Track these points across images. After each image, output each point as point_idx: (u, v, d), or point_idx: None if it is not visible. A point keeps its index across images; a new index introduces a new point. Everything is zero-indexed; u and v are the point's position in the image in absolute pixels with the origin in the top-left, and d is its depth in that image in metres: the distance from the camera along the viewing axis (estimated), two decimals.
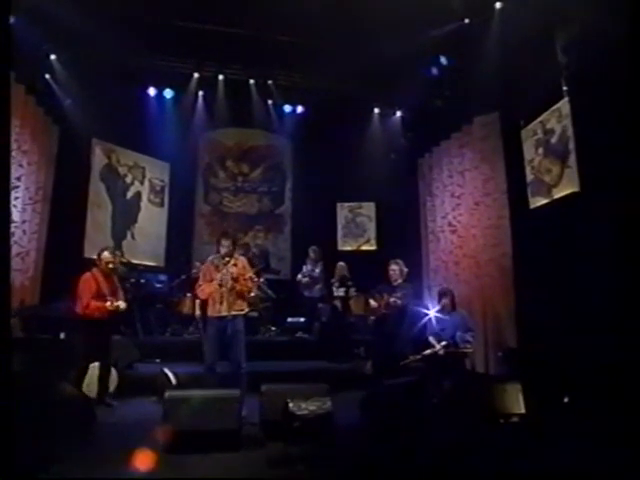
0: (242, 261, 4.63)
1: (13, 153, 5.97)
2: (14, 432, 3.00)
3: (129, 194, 8.27)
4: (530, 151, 5.97)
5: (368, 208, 9.50)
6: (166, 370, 5.15)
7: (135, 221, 8.25)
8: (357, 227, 9.44)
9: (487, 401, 3.77)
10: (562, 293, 5.07)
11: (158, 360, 6.10)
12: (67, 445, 3.10)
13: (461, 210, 7.29)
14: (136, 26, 6.72)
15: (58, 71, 7.12)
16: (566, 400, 4.02)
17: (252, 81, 8.35)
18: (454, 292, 5.46)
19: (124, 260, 7.50)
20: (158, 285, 7.02)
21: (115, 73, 7.41)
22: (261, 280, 7.76)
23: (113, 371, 5.02)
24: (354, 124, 8.80)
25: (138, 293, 6.57)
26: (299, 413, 3.02)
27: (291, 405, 3.08)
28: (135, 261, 7.69)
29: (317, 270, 7.72)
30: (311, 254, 7.83)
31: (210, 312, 4.45)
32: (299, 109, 9.03)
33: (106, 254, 4.79)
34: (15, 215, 6.12)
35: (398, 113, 8.92)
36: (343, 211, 9.54)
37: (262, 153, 9.53)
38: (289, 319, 7.53)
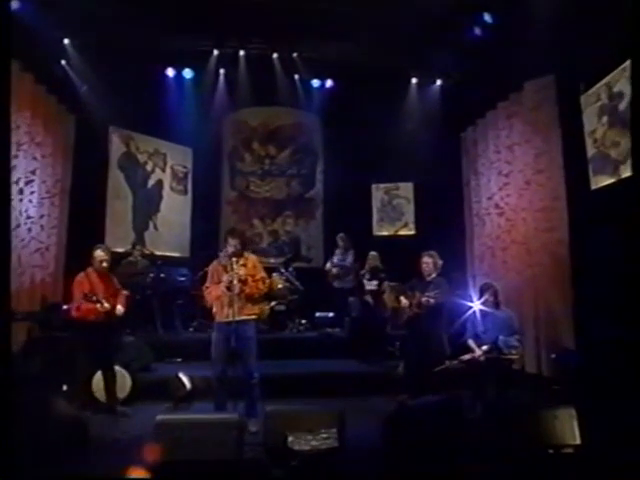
0: (253, 260, 4.28)
1: (25, 146, 5.88)
2: (14, 433, 2.89)
3: (150, 183, 8.11)
4: (592, 120, 5.17)
5: (406, 189, 8.91)
6: (180, 374, 4.96)
7: (157, 211, 8.09)
8: (394, 210, 8.89)
9: (533, 426, 3.24)
10: (629, 288, 4.37)
11: (179, 359, 5.95)
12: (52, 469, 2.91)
13: (509, 190, 6.64)
14: (151, 3, 6.43)
15: (72, 56, 6.96)
16: None
17: (276, 55, 7.93)
18: (497, 287, 4.85)
19: (147, 252, 7.39)
20: (181, 279, 6.84)
21: (131, 55, 7.15)
22: (289, 270, 7.47)
23: (126, 375, 4.88)
24: (389, 97, 8.20)
25: (158, 288, 6.41)
26: (298, 449, 2.65)
27: (290, 439, 2.72)
28: (158, 253, 7.56)
29: (348, 259, 7.32)
30: (339, 242, 7.45)
31: (218, 317, 4.15)
32: (328, 83, 8.52)
33: (99, 252, 4.54)
34: (32, 210, 6.07)
35: (438, 82, 8.22)
36: (378, 193, 9.00)
37: (290, 133, 9.10)
38: (317, 314, 7.20)
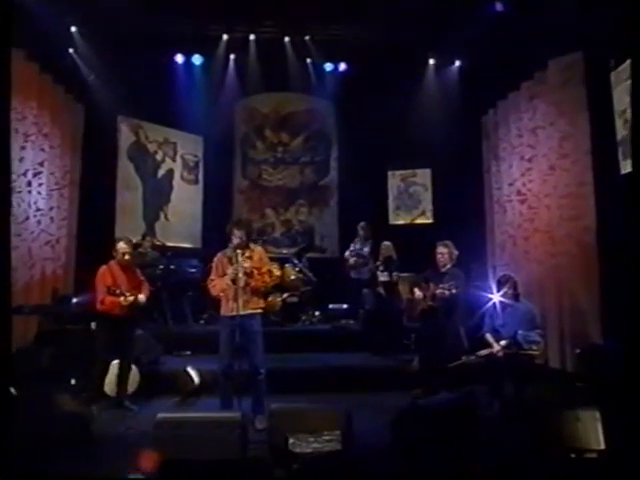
0: (259, 252, 4.19)
1: (32, 137, 5.88)
2: (14, 433, 2.87)
3: (160, 172, 8.06)
4: (623, 99, 4.85)
5: (423, 176, 8.66)
6: (189, 368, 4.93)
7: (168, 201, 8.05)
8: (410, 198, 8.66)
9: (554, 428, 3.07)
10: None
11: (189, 353, 5.92)
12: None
13: (532, 176, 6.38)
14: None
15: (80, 45, 6.92)
16: None
17: (287, 39, 7.76)
18: (517, 279, 4.64)
19: (158, 243, 7.38)
20: (191, 270, 6.79)
21: (139, 42, 7.08)
22: (302, 261, 7.37)
23: (135, 369, 4.86)
24: (405, 80, 7.95)
25: (167, 280, 6.38)
26: (299, 451, 2.55)
27: (291, 441, 2.61)
28: (169, 244, 7.54)
29: (366, 249, 7.16)
30: (360, 231, 7.26)
31: (223, 311, 4.08)
32: (341, 67, 8.31)
33: (121, 245, 4.51)
34: (41, 202, 6.08)
35: (456, 63, 7.92)
36: (395, 180, 8.77)
37: (302, 119, 8.92)
38: (330, 305, 7.09)
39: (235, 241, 4.04)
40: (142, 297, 4.52)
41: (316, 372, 5.34)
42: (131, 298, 4.34)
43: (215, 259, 4.20)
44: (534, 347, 4.23)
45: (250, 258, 4.05)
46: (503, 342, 4.33)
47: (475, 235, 7.48)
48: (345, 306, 7.06)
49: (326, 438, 2.70)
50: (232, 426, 2.93)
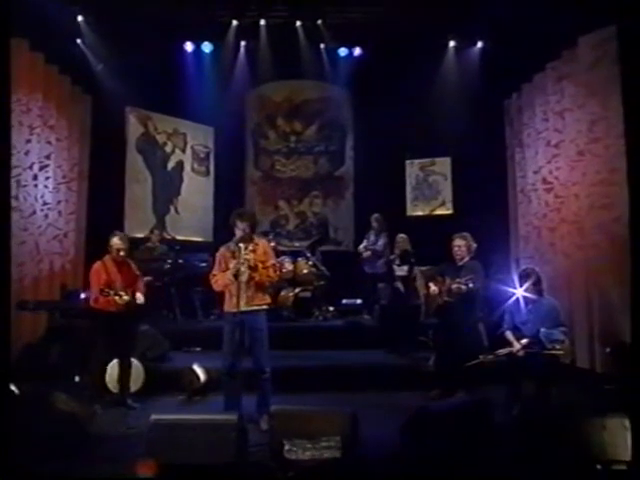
0: (263, 246, 4.05)
1: (38, 130, 5.87)
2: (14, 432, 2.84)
3: (170, 164, 7.99)
4: None
5: (442, 164, 8.38)
6: (195, 366, 4.86)
7: (178, 193, 7.99)
8: (429, 188, 8.41)
9: (578, 436, 2.87)
10: None
11: (198, 349, 5.86)
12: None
13: (559, 162, 6.10)
14: None
15: (86, 34, 6.87)
16: None
17: (299, 23, 7.57)
18: (540, 273, 4.40)
19: (168, 237, 7.35)
20: (201, 264, 6.71)
21: (147, 30, 7.01)
22: (315, 254, 7.24)
23: (139, 366, 4.82)
24: (423, 64, 7.68)
25: (176, 275, 6.33)
26: (295, 458, 2.42)
27: (287, 447, 2.49)
28: (180, 237, 7.52)
29: (380, 242, 6.99)
30: (373, 223, 7.12)
31: (226, 307, 3.97)
32: (356, 51, 8.09)
33: (115, 240, 4.43)
34: (48, 196, 6.08)
35: (478, 44, 7.61)
36: (413, 169, 8.53)
37: (316, 107, 8.72)
38: (344, 300, 6.96)
39: (238, 234, 3.92)
40: (140, 297, 4.46)
41: (327, 370, 5.22)
42: (126, 297, 4.26)
43: (218, 253, 4.09)
44: (557, 346, 3.99)
45: (254, 251, 3.91)
46: (524, 340, 4.11)
47: (497, 226, 7.26)
48: (359, 301, 6.91)
49: (324, 444, 2.56)
50: (228, 429, 2.82)
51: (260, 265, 3.89)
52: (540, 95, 6.51)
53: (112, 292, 4.18)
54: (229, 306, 3.93)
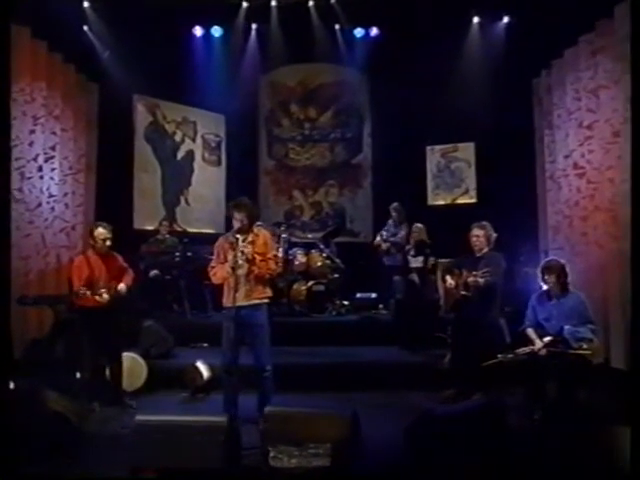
0: (264, 237, 3.92)
1: (42, 120, 5.83)
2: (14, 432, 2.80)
3: (180, 154, 7.92)
4: None
5: (466, 150, 8.08)
6: (198, 363, 4.77)
7: (189, 184, 7.93)
8: (452, 175, 8.12)
9: (604, 444, 2.63)
10: None
11: (206, 345, 5.80)
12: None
13: (593, 145, 5.74)
14: None
15: (92, 20, 6.84)
16: None
17: (311, 3, 7.42)
18: (566, 266, 4.11)
19: (179, 229, 7.31)
20: (212, 257, 6.63)
21: (155, 14, 6.92)
22: (329, 247, 7.07)
23: (142, 363, 4.77)
24: (445, 43, 7.37)
25: (185, 268, 6.27)
26: (280, 467, 2.27)
27: (272, 454, 2.34)
28: (191, 229, 7.46)
29: (400, 233, 6.78)
30: (393, 213, 6.91)
31: (225, 301, 3.84)
32: (373, 31, 7.90)
33: (100, 230, 4.28)
34: (54, 188, 6.07)
35: (504, 19, 7.27)
36: (434, 156, 8.25)
37: (332, 92, 8.51)
38: (358, 294, 6.78)
39: (236, 225, 3.80)
40: (122, 287, 4.32)
41: (337, 368, 5.09)
42: (106, 296, 4.14)
43: (216, 244, 3.98)
44: (585, 345, 3.70)
45: (253, 243, 3.79)
46: (547, 339, 3.85)
47: (525, 216, 6.98)
48: (373, 295, 6.72)
49: (312, 451, 2.41)
50: (216, 431, 2.69)
51: (259, 257, 3.76)
52: (572, 72, 6.13)
53: (89, 292, 4.05)
54: (227, 300, 3.81)
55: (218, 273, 3.84)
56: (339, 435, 2.63)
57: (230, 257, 3.73)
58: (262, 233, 3.97)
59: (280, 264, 4.04)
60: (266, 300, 3.89)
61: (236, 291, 3.70)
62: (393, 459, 2.92)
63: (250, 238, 3.80)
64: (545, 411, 3.63)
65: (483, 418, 2.74)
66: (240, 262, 3.69)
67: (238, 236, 3.72)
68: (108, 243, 4.32)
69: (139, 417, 2.84)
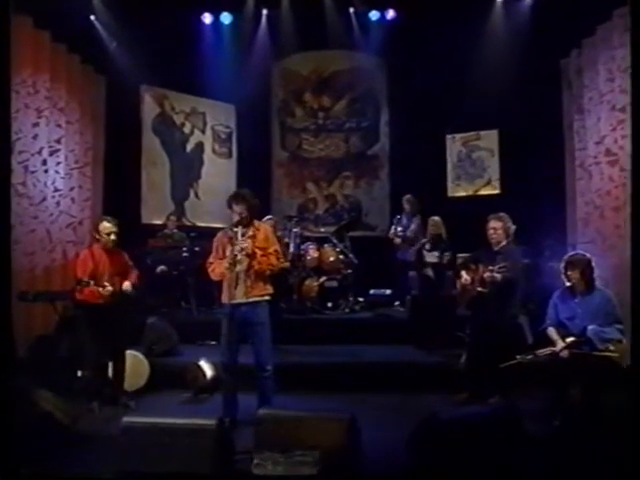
0: (265, 230, 3.79)
1: (46, 112, 5.82)
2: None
3: (189, 146, 7.85)
4: None
5: (488, 138, 7.78)
6: (202, 362, 4.69)
7: (198, 177, 7.85)
8: (474, 165, 7.83)
9: (629, 454, 2.41)
10: None
11: (213, 342, 5.70)
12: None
13: (626, 130, 5.37)
14: None
15: (98, 10, 6.81)
16: None
17: None
18: (592, 262, 3.86)
19: (188, 223, 7.26)
20: None
21: (162, 1, 6.87)
22: (343, 241, 6.92)
23: (144, 361, 4.72)
24: (466, 24, 7.08)
25: (192, 263, 6.21)
26: (263, 474, 2.15)
27: (256, 461, 2.22)
28: (201, 224, 7.40)
29: (413, 226, 6.60)
30: (406, 205, 6.78)
31: (224, 298, 3.72)
32: (389, 14, 7.68)
33: (106, 224, 4.26)
34: (59, 182, 6.07)
35: None
36: (455, 145, 7.98)
37: (347, 79, 8.30)
38: (371, 291, 6.63)
39: (235, 218, 3.68)
40: (127, 285, 4.27)
41: (350, 367, 4.98)
42: (110, 288, 4.08)
43: (215, 238, 3.87)
44: (611, 346, 3.45)
45: (253, 237, 3.67)
46: (569, 339, 3.61)
47: (552, 207, 6.72)
48: (388, 291, 6.54)
49: (298, 459, 2.27)
50: (205, 435, 2.58)
51: (259, 252, 3.63)
52: (605, 50, 5.77)
53: (92, 282, 4.01)
54: (227, 297, 3.68)
55: (217, 269, 3.73)
56: (332, 441, 2.49)
57: (228, 252, 3.62)
58: (263, 227, 3.85)
59: (282, 259, 3.90)
60: (267, 297, 3.77)
61: (234, 287, 3.60)
62: (393, 467, 2.76)
63: (250, 232, 3.67)
64: (566, 417, 3.41)
65: (494, 424, 2.55)
66: (239, 257, 3.58)
67: (237, 230, 3.61)
68: (113, 237, 4.27)
69: (126, 419, 2.76)
